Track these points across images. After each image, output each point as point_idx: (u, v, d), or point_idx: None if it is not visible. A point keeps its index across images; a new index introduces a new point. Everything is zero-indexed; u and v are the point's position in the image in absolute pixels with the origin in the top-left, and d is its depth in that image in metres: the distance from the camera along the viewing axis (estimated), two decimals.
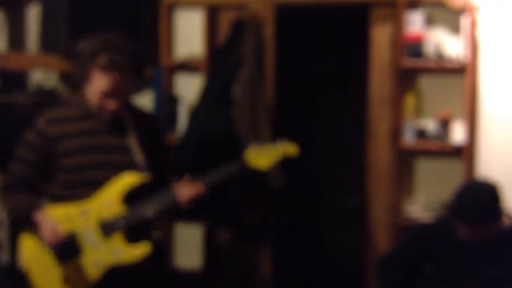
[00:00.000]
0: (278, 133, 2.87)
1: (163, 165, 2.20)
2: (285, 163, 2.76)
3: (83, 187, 1.99)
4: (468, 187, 2.17)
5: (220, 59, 3.01)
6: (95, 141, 2.01)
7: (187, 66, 3.19)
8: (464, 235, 2.09)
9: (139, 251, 2.01)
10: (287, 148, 2.12)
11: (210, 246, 3.17)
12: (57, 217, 1.98)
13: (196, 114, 3.00)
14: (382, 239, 2.95)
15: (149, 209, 2.03)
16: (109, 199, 1.99)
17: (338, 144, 3.48)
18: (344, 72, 3.35)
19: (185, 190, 2.02)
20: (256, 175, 2.26)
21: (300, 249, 3.49)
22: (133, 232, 2.02)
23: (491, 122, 2.79)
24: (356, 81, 3.06)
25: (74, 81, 2.86)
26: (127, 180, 2.01)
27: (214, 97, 2.95)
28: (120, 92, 1.98)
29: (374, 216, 3.00)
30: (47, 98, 3.04)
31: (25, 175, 2.03)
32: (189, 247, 3.23)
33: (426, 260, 2.24)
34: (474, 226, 2.06)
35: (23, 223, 2.04)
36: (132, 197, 2.01)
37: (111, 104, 1.97)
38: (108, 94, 1.96)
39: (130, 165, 2.02)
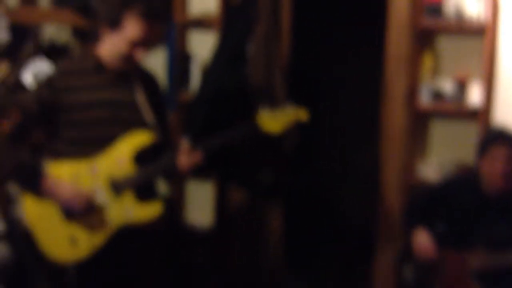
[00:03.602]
0: (292, 92, 2.87)
1: (166, 124, 2.15)
2: (299, 124, 2.78)
3: (90, 143, 1.93)
4: (497, 129, 2.33)
5: (235, 16, 2.97)
6: (104, 96, 1.95)
7: (201, 23, 3.15)
8: (501, 165, 2.15)
9: (151, 210, 1.97)
10: (299, 113, 2.08)
11: (222, 204, 3.19)
12: (64, 175, 1.92)
13: (210, 71, 2.98)
14: (394, 200, 2.96)
15: (155, 171, 2.00)
16: (120, 157, 1.94)
17: (353, 105, 3.46)
18: (362, 31, 3.30)
19: (184, 159, 1.97)
20: (270, 136, 2.24)
21: (313, 208, 3.51)
22: (142, 190, 1.99)
23: (509, 84, 2.75)
24: (374, 40, 3.02)
25: (87, 35, 2.84)
26: (139, 139, 1.96)
27: (228, 54, 2.92)
28: (149, 41, 1.92)
29: (387, 177, 2.99)
30: (59, 52, 3.03)
31: (23, 125, 1.94)
32: (201, 204, 3.25)
33: (437, 219, 2.28)
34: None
35: (24, 186, 1.96)
36: (139, 156, 1.97)
37: (139, 53, 1.91)
38: (139, 42, 1.89)
39: (140, 123, 1.97)
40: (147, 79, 2.08)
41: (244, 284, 3.13)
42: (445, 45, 2.88)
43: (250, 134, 2.05)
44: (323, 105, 3.45)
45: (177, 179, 3.15)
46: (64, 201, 1.89)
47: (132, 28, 1.86)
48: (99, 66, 1.95)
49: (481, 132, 2.72)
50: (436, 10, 2.76)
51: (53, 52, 3.04)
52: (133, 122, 1.97)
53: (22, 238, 2.65)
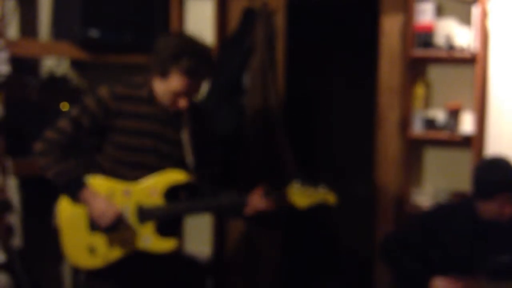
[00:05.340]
0: (288, 122, 2.91)
1: (213, 163, 2.26)
2: (296, 151, 2.80)
3: (127, 166, 2.07)
4: (493, 161, 2.19)
5: (231, 48, 3.03)
6: (152, 127, 2.08)
7: None
8: (492, 212, 2.12)
9: (167, 244, 2.10)
10: (328, 196, 2.19)
11: (220, 233, 3.21)
12: (101, 189, 2.05)
13: (206, 103, 3.03)
14: (390, 227, 2.98)
15: (210, 207, 2.19)
16: (153, 188, 2.07)
17: (348, 134, 3.49)
18: (355, 61, 3.36)
19: (259, 202, 2.11)
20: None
21: (311, 236, 3.52)
22: (166, 224, 2.12)
23: (500, 112, 2.79)
24: (366, 70, 3.07)
25: (85, 67, 2.90)
26: (176, 176, 2.09)
27: (224, 87, 2.98)
28: (193, 94, 2.07)
29: (383, 205, 3.02)
30: (58, 84, 3.08)
31: (74, 137, 2.06)
32: (199, 234, 3.27)
33: (431, 246, 2.26)
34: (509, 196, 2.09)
35: (65, 188, 2.07)
36: (172, 192, 2.10)
37: (182, 103, 2.04)
38: (182, 94, 2.02)
39: (178, 160, 2.10)
40: (196, 113, 2.19)
41: None
42: (437, 74, 2.93)
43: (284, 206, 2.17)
44: (318, 133, 3.50)
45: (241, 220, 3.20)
46: (95, 213, 2.02)
47: (176, 82, 2.00)
48: (152, 98, 2.08)
49: (474, 161, 2.75)
50: (427, 40, 2.82)
51: (52, 83, 3.11)
52: (173, 158, 2.10)
53: (21, 269, 2.71)
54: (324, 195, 2.18)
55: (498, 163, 2.16)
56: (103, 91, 2.06)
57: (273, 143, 2.80)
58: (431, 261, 2.25)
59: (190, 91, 2.03)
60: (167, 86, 2.03)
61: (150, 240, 2.07)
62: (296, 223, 3.33)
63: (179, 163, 2.10)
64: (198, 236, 3.29)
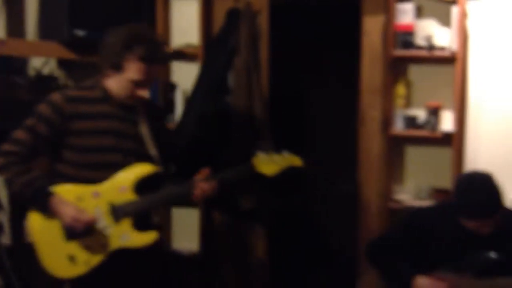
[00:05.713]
0: (272, 121, 2.96)
1: (171, 155, 2.28)
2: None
3: (91, 168, 2.04)
4: (470, 183, 2.14)
5: (216, 47, 3.07)
6: (110, 125, 2.07)
7: (183, 55, 3.25)
8: (472, 228, 2.12)
9: (146, 238, 2.09)
10: (293, 160, 2.24)
11: (207, 229, 3.25)
12: (68, 196, 2.02)
13: (192, 102, 3.07)
14: (373, 224, 3.03)
15: (163, 200, 2.15)
16: (122, 185, 2.05)
17: (332, 133, 3.54)
18: (337, 61, 3.41)
19: (203, 186, 2.11)
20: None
21: (296, 233, 3.57)
22: (140, 218, 2.10)
23: (479, 111, 2.86)
24: (348, 70, 3.12)
25: (72, 67, 2.91)
26: (142, 169, 2.08)
27: (209, 86, 3.02)
28: (151, 81, 2.07)
29: (365, 201, 3.08)
30: (46, 83, 3.11)
31: (33, 147, 2.02)
32: (186, 230, 3.32)
33: (416, 247, 2.31)
34: (484, 220, 2.09)
35: (32, 200, 2.03)
36: (141, 186, 2.08)
37: (141, 93, 2.04)
38: (140, 84, 2.03)
39: (142, 154, 2.10)
40: (152, 110, 2.21)
41: None
42: (417, 74, 3.00)
43: (247, 173, 2.20)
44: (303, 133, 3.55)
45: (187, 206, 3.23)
46: (67, 221, 1.98)
47: (133, 70, 2.00)
48: (107, 97, 2.08)
49: (454, 158, 2.82)
50: (407, 40, 2.88)
51: (40, 82, 3.14)
52: (136, 153, 2.09)
53: (11, 267, 2.73)
54: (290, 159, 2.23)
55: (476, 186, 2.10)
56: (56, 96, 2.05)
57: (258, 142, 2.85)
58: (416, 261, 2.29)
59: (148, 78, 2.03)
60: (124, 78, 2.02)
61: (129, 236, 2.06)
62: (282, 220, 3.40)
63: (143, 157, 2.09)
64: (186, 232, 3.33)
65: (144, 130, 2.12)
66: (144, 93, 2.06)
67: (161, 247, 3.19)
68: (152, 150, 2.11)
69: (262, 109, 2.95)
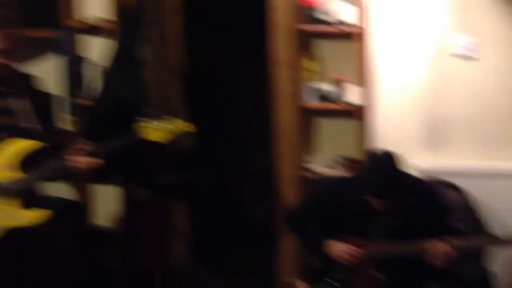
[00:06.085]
0: (189, 95, 2.98)
1: (53, 129, 2.22)
2: (198, 127, 2.89)
3: None
4: (372, 163, 2.34)
5: (129, 20, 3.03)
6: None
7: (94, 28, 3.18)
8: (373, 202, 2.29)
9: (33, 215, 2.03)
10: (183, 125, 2.22)
11: (128, 205, 3.26)
12: None
13: (105, 76, 3.03)
14: (289, 193, 3.16)
15: (40, 175, 2.07)
16: (2, 164, 2.00)
17: (247, 107, 3.60)
18: (249, 35, 3.44)
19: (78, 159, 2.06)
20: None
21: (216, 207, 3.65)
22: (30, 195, 2.06)
23: (382, 84, 3.03)
24: (260, 45, 3.17)
25: None
26: (21, 145, 2.02)
27: (121, 60, 2.99)
28: (12, 49, 1.97)
29: (281, 173, 3.20)
30: None
31: None
32: (107, 206, 3.32)
33: (331, 213, 2.46)
34: (383, 198, 2.27)
35: None
36: (26, 161, 2.03)
37: (9, 63, 1.98)
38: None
39: (16, 129, 2.02)
40: (28, 85, 2.13)
41: (154, 282, 3.24)
42: (324, 49, 3.12)
43: (134, 142, 2.18)
44: (221, 107, 3.59)
45: (78, 181, 3.18)
46: None
47: None
48: None
49: (361, 129, 2.98)
50: (313, 15, 2.98)
51: None
52: (7, 128, 2.02)
53: None
54: (179, 124, 2.23)
55: (377, 167, 2.27)
56: None
57: (145, 110, 2.83)
58: (329, 228, 2.43)
59: (4, 46, 1.94)
60: None
61: (14, 215, 2.02)
62: (202, 194, 3.47)
63: (18, 132, 2.04)
64: (106, 208, 3.33)
65: (17, 103, 2.04)
66: (14, 64, 1.98)
67: (81, 224, 3.18)
68: (31, 124, 2.05)
69: (176, 83, 2.95)
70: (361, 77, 2.97)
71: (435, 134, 3.02)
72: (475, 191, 2.86)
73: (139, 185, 3.13)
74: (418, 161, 2.97)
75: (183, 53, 3.14)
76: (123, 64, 2.97)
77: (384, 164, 2.25)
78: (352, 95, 3.04)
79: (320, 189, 2.63)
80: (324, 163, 3.17)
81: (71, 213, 2.18)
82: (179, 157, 2.89)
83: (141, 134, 2.16)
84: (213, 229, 3.58)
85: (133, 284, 3.23)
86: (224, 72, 3.59)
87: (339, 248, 2.35)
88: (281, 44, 3.06)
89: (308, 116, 3.18)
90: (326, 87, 3.08)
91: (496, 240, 2.24)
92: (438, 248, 2.13)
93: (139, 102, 2.90)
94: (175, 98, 2.95)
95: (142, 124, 2.16)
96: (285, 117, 3.14)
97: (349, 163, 3.07)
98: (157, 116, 2.23)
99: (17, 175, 2.02)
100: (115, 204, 3.28)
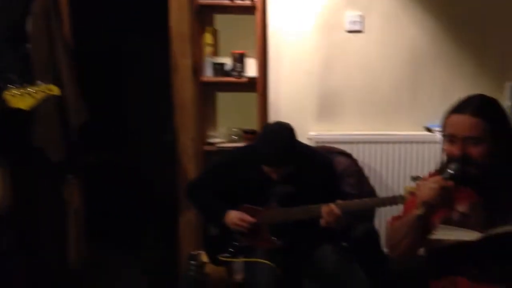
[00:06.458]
0: (80, 71, 2.89)
1: None
2: (91, 101, 2.82)
3: None
4: (267, 134, 2.38)
5: None
6: None
7: None
8: (267, 172, 2.38)
9: None
10: (49, 88, 2.19)
11: (20, 184, 3.12)
12: None
13: None
14: (190, 167, 3.20)
15: None
16: None
17: (148, 82, 3.56)
18: (149, 10, 3.39)
19: None
20: (54, 112, 2.26)
21: (118, 183, 3.61)
22: None
23: (279, 57, 3.13)
24: (160, 18, 3.14)
25: None
26: None
27: (5, 33, 2.82)
28: None
29: (182, 147, 3.22)
30: None
31: None
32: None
33: (232, 183, 2.53)
34: (274, 168, 2.36)
35: None
36: None
37: None
38: None
39: None
40: None
41: (51, 260, 3.16)
42: (223, 22, 3.17)
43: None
44: (120, 82, 3.52)
45: None
46: None
47: None
48: None
49: (259, 101, 3.07)
50: None
51: None
52: None
53: None
54: (45, 88, 2.21)
55: (271, 138, 2.33)
56: None
57: (63, 96, 2.76)
58: (227, 198, 2.50)
59: None
60: None
61: None
62: (103, 171, 3.41)
63: None
64: None
65: None
66: None
67: None
68: None
69: (64, 56, 2.84)
70: (260, 51, 3.05)
71: (326, 105, 3.19)
72: (362, 156, 3.10)
73: (25, 164, 3.00)
74: (311, 130, 3.15)
75: (71, 26, 3.02)
76: (7, 37, 2.81)
77: (277, 135, 2.33)
78: (251, 68, 3.12)
79: (218, 161, 2.69)
80: (225, 136, 3.25)
81: None
82: (68, 133, 2.81)
83: (7, 102, 2.12)
84: (113, 206, 3.55)
85: (26, 264, 3.14)
86: (122, 46, 3.52)
87: (235, 216, 2.44)
88: (180, 18, 3.06)
89: (209, 89, 3.23)
90: (225, 61, 3.13)
91: (381, 201, 2.44)
92: (330, 212, 2.27)
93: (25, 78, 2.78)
94: (64, 71, 2.83)
95: (7, 91, 2.12)
96: (185, 91, 3.16)
97: (249, 135, 3.17)
98: (19, 83, 2.18)
99: None
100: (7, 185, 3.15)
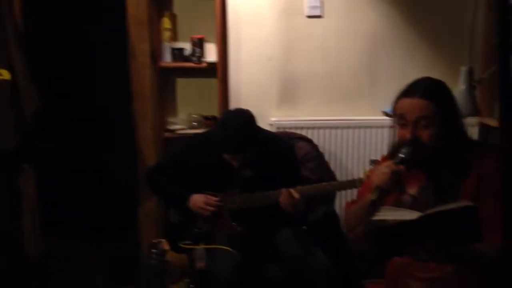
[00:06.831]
0: (32, 57, 2.79)
1: None
2: (44, 88, 2.73)
3: None
4: (225, 121, 2.36)
5: None
6: None
7: None
8: (227, 158, 2.37)
9: None
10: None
11: None
12: None
13: None
14: (150, 154, 3.16)
15: None
16: None
17: (104, 68, 3.47)
18: None
19: None
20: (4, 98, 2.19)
21: (77, 173, 3.52)
22: None
23: (239, 42, 3.11)
24: (115, 2, 3.07)
25: None
26: None
27: None
28: None
29: (142, 134, 3.17)
30: None
31: None
32: None
33: (192, 170, 2.51)
34: (233, 155, 2.35)
35: None
36: None
37: None
38: None
39: None
40: None
41: (7, 252, 3.08)
42: (181, 7, 3.11)
43: None
44: (77, 69, 3.42)
45: None
46: None
47: None
48: None
49: (219, 87, 3.05)
50: None
51: None
52: None
53: None
54: None
55: (229, 125, 2.32)
56: None
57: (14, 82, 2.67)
58: (188, 184, 2.48)
59: None
60: None
61: None
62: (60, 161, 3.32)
63: None
64: None
65: None
66: None
67: None
68: None
69: (15, 40, 2.73)
70: (219, 36, 3.02)
71: (287, 91, 3.18)
72: (323, 141, 3.12)
73: None
74: (272, 116, 3.15)
75: (23, 9, 2.90)
76: None
77: (236, 121, 2.32)
78: (211, 53, 3.08)
79: (178, 147, 2.66)
80: (185, 122, 3.21)
81: None
82: (20, 122, 2.72)
83: None
84: (72, 196, 3.47)
85: None
86: (77, 31, 3.42)
87: (199, 200, 2.42)
88: (138, 2, 2.99)
89: (168, 75, 3.18)
90: (184, 46, 3.09)
91: (340, 184, 2.47)
92: (289, 196, 2.28)
93: None
94: (14, 55, 2.72)
95: None
96: (143, 78, 3.10)
97: (207, 121, 3.14)
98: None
99: None
100: None
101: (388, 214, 1.47)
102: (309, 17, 3.12)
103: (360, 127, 3.14)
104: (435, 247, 1.47)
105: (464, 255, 1.51)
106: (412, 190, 1.70)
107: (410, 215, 1.43)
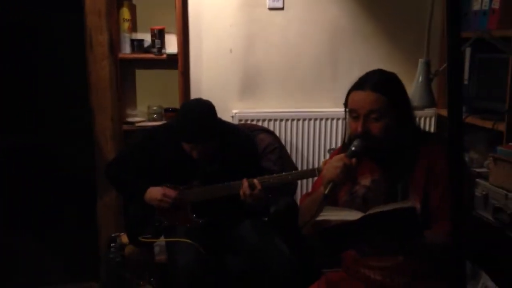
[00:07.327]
0: None
1: None
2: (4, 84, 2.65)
3: None
4: (185, 111, 2.34)
5: None
6: None
7: None
8: (186, 149, 2.34)
9: None
10: None
11: None
12: None
13: None
14: (109, 147, 3.09)
15: None
16: None
17: (62, 60, 3.38)
18: None
19: None
20: None
21: (34, 167, 3.43)
22: None
23: (199, 33, 3.08)
24: None
25: None
26: None
27: None
28: None
29: (100, 127, 3.11)
30: None
31: None
32: None
33: (151, 162, 2.47)
34: (193, 145, 2.32)
35: None
36: None
37: None
38: None
39: None
40: None
41: None
42: None
43: None
44: (32, 60, 3.32)
45: None
46: None
47: None
48: None
49: (180, 79, 3.01)
50: None
51: None
52: None
53: None
54: None
55: (189, 115, 2.30)
56: None
57: None
58: (148, 177, 2.44)
59: None
60: None
61: None
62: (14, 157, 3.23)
63: None
64: None
65: None
66: None
67: None
68: None
69: None
70: (180, 27, 2.97)
71: (249, 82, 3.17)
72: (284, 133, 3.12)
73: None
74: (234, 108, 3.13)
75: None
76: None
77: (195, 111, 2.30)
78: (171, 45, 3.04)
79: (137, 139, 2.62)
80: (145, 115, 3.15)
81: None
82: None
83: None
84: (29, 190, 3.38)
85: None
86: (33, 21, 3.31)
87: (157, 192, 2.39)
88: None
89: (127, 67, 3.11)
90: (144, 37, 3.03)
91: (299, 174, 2.48)
92: (250, 187, 2.27)
93: None
94: None
95: None
96: (101, 69, 3.02)
97: (168, 113, 3.10)
98: None
99: None
100: None
101: (332, 214, 1.47)
102: (271, 9, 3.11)
103: (321, 118, 3.16)
104: (380, 243, 1.49)
105: (410, 247, 1.53)
106: (364, 181, 1.71)
107: (353, 215, 1.44)
